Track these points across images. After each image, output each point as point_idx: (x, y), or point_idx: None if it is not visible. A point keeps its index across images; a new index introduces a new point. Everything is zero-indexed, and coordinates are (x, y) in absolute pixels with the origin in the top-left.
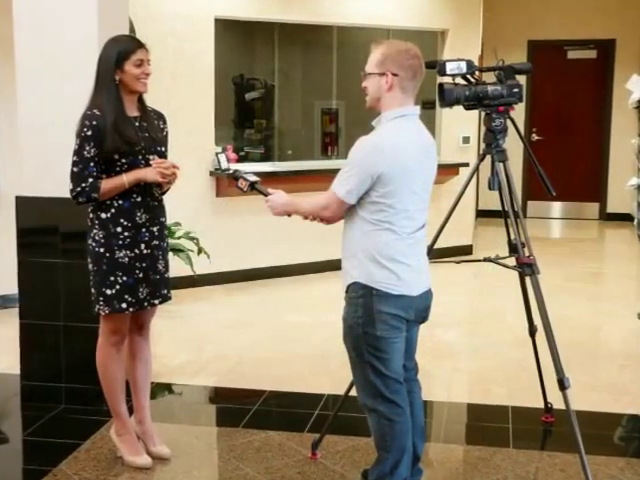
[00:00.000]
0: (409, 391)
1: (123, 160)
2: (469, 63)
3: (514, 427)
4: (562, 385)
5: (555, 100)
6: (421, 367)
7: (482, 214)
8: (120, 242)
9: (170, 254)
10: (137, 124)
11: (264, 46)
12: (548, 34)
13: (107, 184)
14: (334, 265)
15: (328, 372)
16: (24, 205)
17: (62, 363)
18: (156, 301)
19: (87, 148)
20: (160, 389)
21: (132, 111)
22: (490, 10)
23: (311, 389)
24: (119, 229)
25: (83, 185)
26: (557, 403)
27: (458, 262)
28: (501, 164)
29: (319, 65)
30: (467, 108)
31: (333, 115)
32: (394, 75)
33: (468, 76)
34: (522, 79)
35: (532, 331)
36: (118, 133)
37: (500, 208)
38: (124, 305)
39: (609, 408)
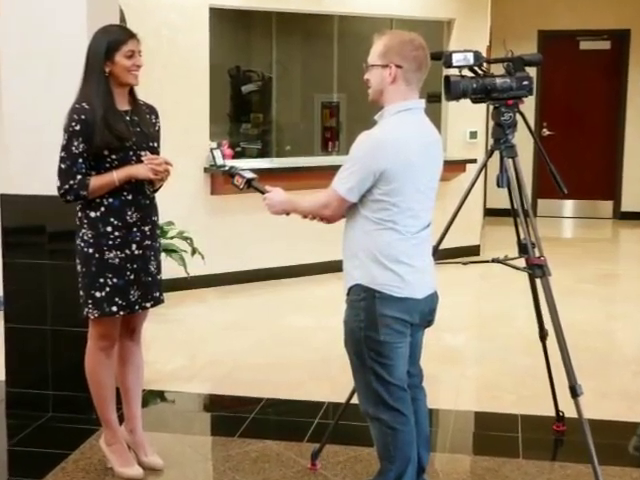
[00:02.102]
0: (413, 398)
1: (113, 156)
2: (476, 54)
3: (524, 436)
4: (574, 392)
5: (567, 93)
6: (426, 373)
7: (490, 213)
8: (110, 242)
9: (162, 255)
10: (128, 118)
11: (261, 36)
12: (559, 24)
13: (96, 181)
14: (335, 266)
15: (329, 378)
16: (9, 203)
17: (49, 369)
18: (148, 304)
19: (75, 144)
20: (152, 396)
21: (123, 105)
22: None
23: (311, 396)
24: (109, 228)
25: (71, 182)
26: (569, 411)
27: (465, 263)
28: (510, 160)
29: (319, 56)
30: (474, 101)
31: (334, 109)
32: (398, 67)
33: (475, 68)
34: (532, 71)
35: (542, 335)
36: (108, 128)
37: (509, 206)
38: (114, 308)
39: (623, 416)
